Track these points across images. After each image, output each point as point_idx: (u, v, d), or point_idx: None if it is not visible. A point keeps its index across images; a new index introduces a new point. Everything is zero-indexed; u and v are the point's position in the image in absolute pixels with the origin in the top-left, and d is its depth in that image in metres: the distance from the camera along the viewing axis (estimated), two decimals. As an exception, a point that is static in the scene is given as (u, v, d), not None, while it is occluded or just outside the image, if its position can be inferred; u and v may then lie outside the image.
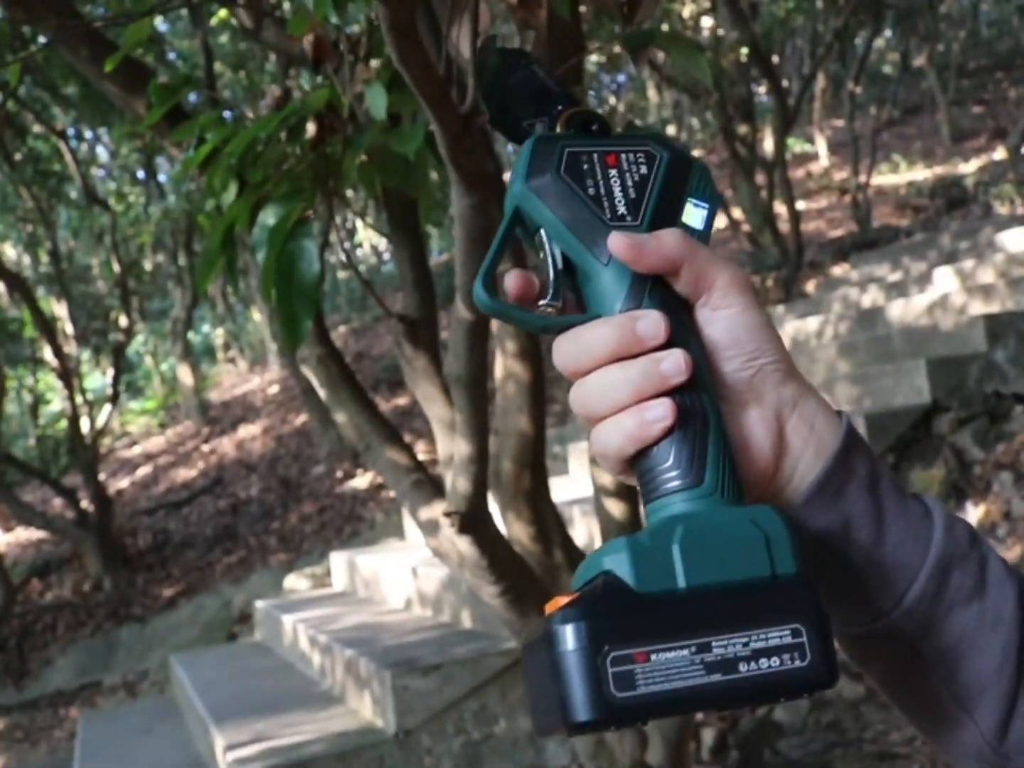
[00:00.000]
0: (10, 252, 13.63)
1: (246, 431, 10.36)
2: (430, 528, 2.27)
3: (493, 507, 2.40)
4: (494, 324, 2.21)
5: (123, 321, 9.48)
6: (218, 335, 15.00)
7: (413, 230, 2.26)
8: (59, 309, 10.95)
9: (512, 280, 0.54)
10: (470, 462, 1.98)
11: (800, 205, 9.56)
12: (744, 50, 8.52)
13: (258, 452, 9.55)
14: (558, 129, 0.58)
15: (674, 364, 0.51)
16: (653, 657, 0.46)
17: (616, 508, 2.70)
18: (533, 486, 2.67)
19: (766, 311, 0.56)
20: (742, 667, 0.47)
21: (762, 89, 11.99)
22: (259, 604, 5.37)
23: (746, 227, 8.82)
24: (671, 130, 14.20)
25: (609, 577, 0.48)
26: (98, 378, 13.89)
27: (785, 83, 13.27)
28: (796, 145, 13.63)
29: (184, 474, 9.93)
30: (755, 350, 0.54)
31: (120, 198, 11.59)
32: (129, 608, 7.54)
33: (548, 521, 2.79)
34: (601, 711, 0.45)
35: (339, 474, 8.19)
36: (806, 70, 12.86)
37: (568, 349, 0.53)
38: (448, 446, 2.23)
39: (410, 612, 4.15)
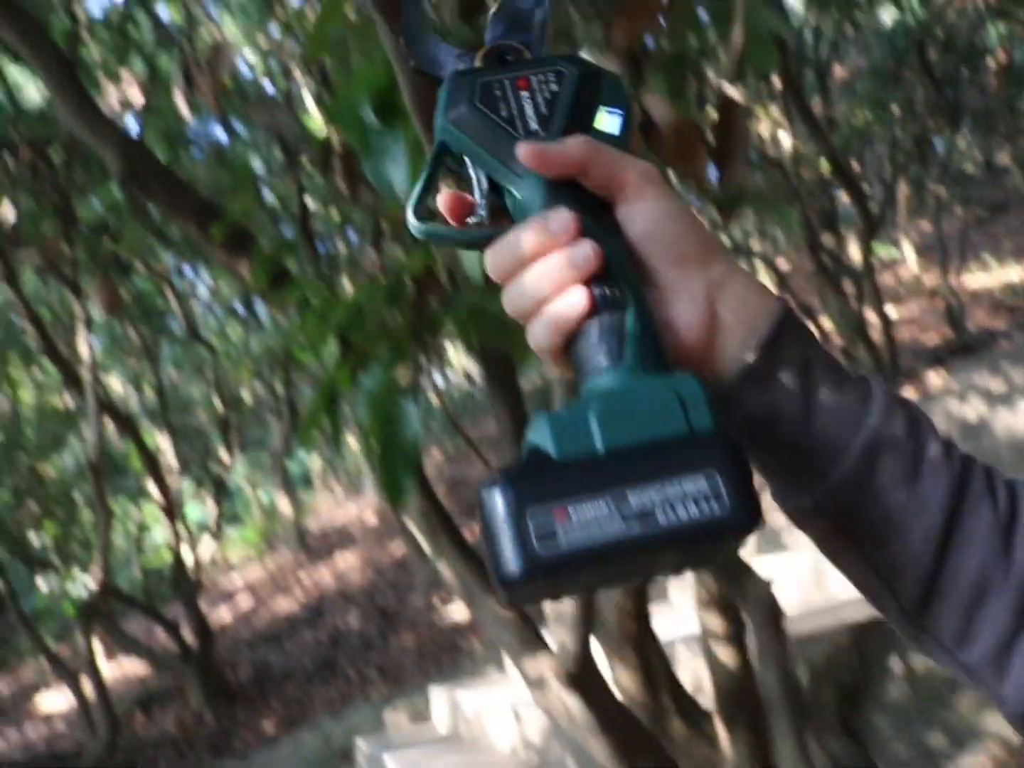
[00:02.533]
0: (116, 386, 14.15)
1: (344, 560, 10.42)
2: (536, 683, 2.24)
3: (596, 648, 2.36)
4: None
5: (224, 456, 9.72)
6: (315, 462, 15.25)
7: (510, 383, 2.29)
8: (162, 441, 11.28)
9: (444, 199, 0.60)
10: (577, 621, 1.96)
11: (891, 312, 9.45)
12: (824, 161, 8.57)
13: (356, 581, 9.58)
14: (476, 65, 0.62)
15: (583, 253, 0.54)
16: (572, 513, 0.48)
17: (727, 655, 2.63)
18: (638, 631, 2.63)
19: (682, 200, 0.59)
20: (660, 516, 0.49)
21: (844, 196, 12.01)
22: (360, 743, 5.31)
23: (837, 340, 8.73)
24: (754, 244, 14.23)
25: (533, 450, 0.51)
26: (199, 508, 14.17)
27: (866, 187, 13.28)
28: (882, 250, 13.54)
29: (284, 604, 9.99)
30: (674, 236, 0.57)
31: (221, 336, 12.01)
32: (230, 742, 7.53)
33: (654, 666, 2.73)
34: (526, 566, 0.48)
35: (437, 603, 8.15)
36: (886, 174, 12.87)
37: (495, 258, 0.57)
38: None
39: (515, 756, 4.06)
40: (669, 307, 0.57)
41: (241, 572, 12.21)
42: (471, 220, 0.60)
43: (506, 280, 0.57)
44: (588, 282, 0.54)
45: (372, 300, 1.92)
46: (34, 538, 9.81)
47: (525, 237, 0.56)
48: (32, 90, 8.71)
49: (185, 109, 1.76)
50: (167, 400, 11.18)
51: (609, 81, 0.60)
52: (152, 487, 9.40)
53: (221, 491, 9.81)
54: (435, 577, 8.39)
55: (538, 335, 0.56)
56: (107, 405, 8.40)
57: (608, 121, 0.59)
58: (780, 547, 5.66)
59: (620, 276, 0.55)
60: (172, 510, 8.74)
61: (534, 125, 0.59)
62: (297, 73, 7.66)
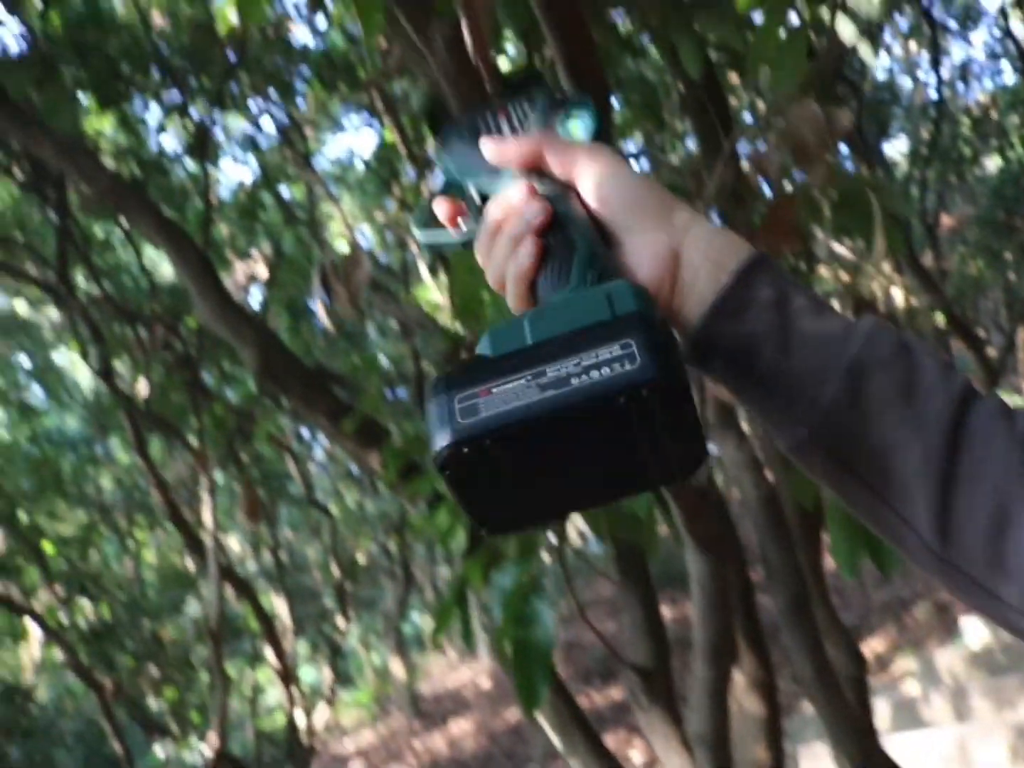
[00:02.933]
0: (234, 546, 14.39)
1: (458, 726, 10.20)
2: None
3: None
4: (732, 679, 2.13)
5: (340, 622, 9.73)
6: (427, 622, 15.12)
7: (641, 574, 2.26)
8: (278, 604, 11.36)
9: (443, 208, 0.70)
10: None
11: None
12: (938, 314, 8.46)
13: (470, 750, 9.34)
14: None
15: (533, 209, 0.62)
16: (494, 390, 0.52)
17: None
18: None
19: (632, 168, 0.65)
20: (574, 381, 0.51)
21: (961, 345, 11.77)
22: None
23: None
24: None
25: (475, 356, 0.56)
26: (313, 670, 14.11)
27: (982, 335, 12.98)
28: (1005, 397, 13.14)
29: (396, 772, 9.79)
30: (630, 197, 0.63)
31: (337, 498, 12.19)
32: None
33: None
34: (449, 436, 0.51)
35: (553, 775, 7.89)
36: (1003, 321, 12.58)
37: (478, 245, 0.66)
38: (691, 803, 2.12)
39: None
40: (633, 256, 0.62)
41: (353, 737, 12.03)
42: (461, 220, 0.70)
43: (486, 258, 0.65)
44: (542, 234, 0.61)
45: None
46: (152, 701, 9.88)
47: (491, 209, 0.66)
48: (166, 266, 9.25)
49: (324, 315, 1.84)
50: (284, 562, 11.33)
51: (576, 99, 0.71)
52: (267, 650, 9.43)
53: (336, 655, 9.78)
54: (552, 747, 8.10)
55: (511, 294, 0.62)
56: (226, 569, 8.54)
57: (574, 127, 0.69)
58: (918, 723, 5.35)
59: (571, 224, 0.61)
60: (287, 674, 8.73)
61: None
62: (413, 245, 7.98)
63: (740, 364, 0.59)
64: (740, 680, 2.38)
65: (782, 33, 1.94)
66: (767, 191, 1.91)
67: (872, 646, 7.73)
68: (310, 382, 2.38)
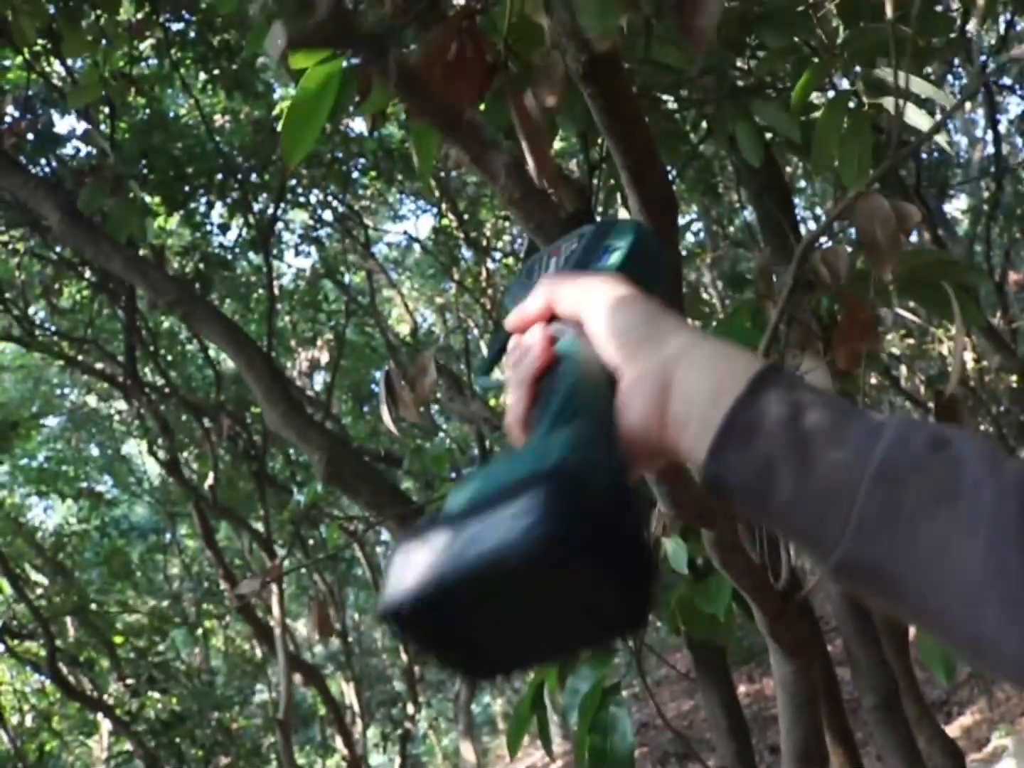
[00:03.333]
0: (301, 630, 14.38)
1: (531, 813, 9.97)
2: None
3: None
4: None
5: (410, 706, 9.63)
6: (497, 704, 14.91)
7: (721, 673, 2.19)
8: (347, 689, 11.28)
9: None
10: None
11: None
12: (1012, 377, 8.28)
13: (546, 840, 9.11)
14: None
15: (531, 355, 0.64)
16: (422, 552, 0.51)
17: None
18: None
19: (638, 298, 0.64)
20: (481, 538, 0.49)
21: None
22: None
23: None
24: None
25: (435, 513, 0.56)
26: (382, 755, 13.95)
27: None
28: (1084, 457, 12.76)
29: (470, 864, 9.56)
30: (625, 330, 0.61)
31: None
32: None
33: None
34: (382, 605, 0.51)
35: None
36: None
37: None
38: None
39: None
40: (626, 392, 0.60)
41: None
42: None
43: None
44: (539, 379, 0.63)
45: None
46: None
47: (510, 354, 0.68)
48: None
49: (389, 421, 1.83)
50: (351, 647, 11.27)
51: (618, 227, 0.75)
52: (337, 737, 9.33)
53: (406, 740, 9.65)
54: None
55: (512, 432, 0.64)
56: (294, 656, 8.51)
57: (610, 259, 0.72)
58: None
59: (566, 370, 0.63)
60: (356, 761, 8.63)
61: None
62: (473, 327, 8.04)
63: (757, 494, 0.54)
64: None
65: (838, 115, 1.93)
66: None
67: (962, 723, 7.44)
68: (378, 486, 2.37)
